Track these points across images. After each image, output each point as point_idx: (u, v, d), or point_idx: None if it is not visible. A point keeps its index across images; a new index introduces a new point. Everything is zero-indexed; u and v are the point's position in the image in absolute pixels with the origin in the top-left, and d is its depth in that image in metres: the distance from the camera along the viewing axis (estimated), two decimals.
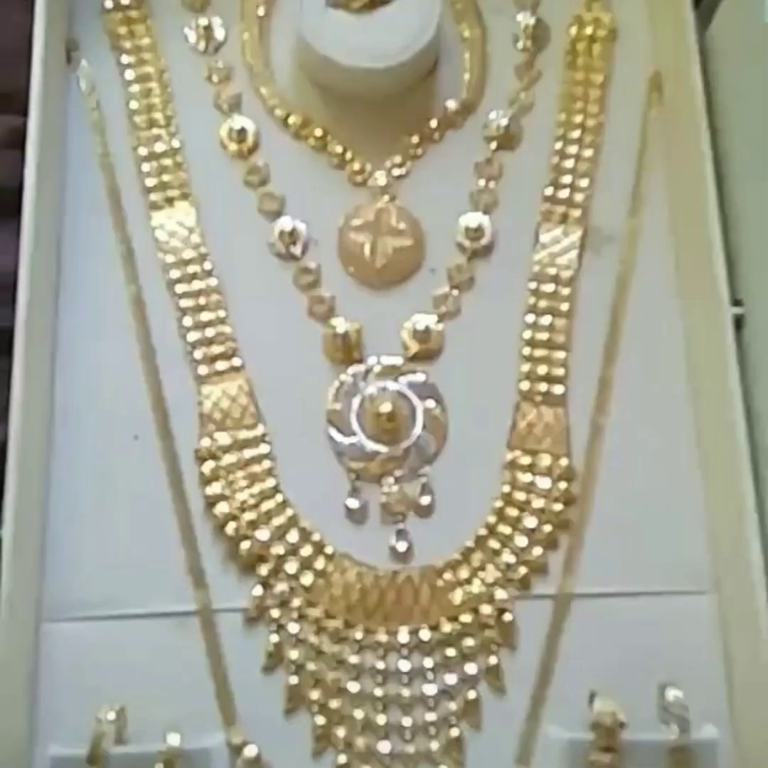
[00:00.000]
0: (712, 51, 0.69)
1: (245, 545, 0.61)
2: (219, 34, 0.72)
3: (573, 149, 0.70)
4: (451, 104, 0.71)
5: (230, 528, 0.62)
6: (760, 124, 0.62)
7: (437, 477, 0.64)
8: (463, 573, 0.62)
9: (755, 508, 0.59)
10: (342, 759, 0.59)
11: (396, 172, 0.70)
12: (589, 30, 0.73)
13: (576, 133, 0.71)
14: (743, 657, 0.59)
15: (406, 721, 0.59)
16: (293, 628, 0.60)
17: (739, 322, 0.63)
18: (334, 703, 0.59)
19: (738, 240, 0.64)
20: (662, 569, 0.62)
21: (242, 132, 0.69)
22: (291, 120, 0.70)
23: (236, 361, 0.65)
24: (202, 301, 0.66)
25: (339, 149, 0.70)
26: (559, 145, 0.70)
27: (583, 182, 0.70)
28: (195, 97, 0.71)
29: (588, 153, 0.70)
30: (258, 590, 0.61)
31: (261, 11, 0.73)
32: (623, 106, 0.72)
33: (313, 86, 0.71)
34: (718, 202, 0.64)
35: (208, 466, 0.63)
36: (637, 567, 0.62)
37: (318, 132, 0.70)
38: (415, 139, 0.70)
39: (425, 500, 0.63)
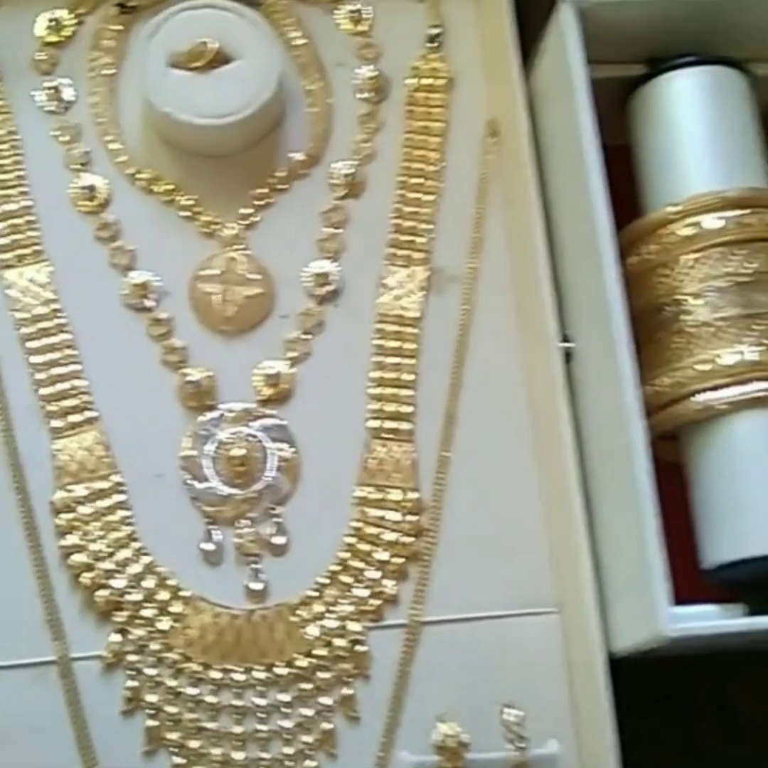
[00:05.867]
0: (538, 98, 0.72)
1: (102, 594, 0.63)
2: (68, 94, 0.74)
3: (415, 195, 0.73)
4: (298, 155, 0.74)
5: (86, 577, 0.63)
6: (573, 166, 0.65)
7: (291, 516, 0.66)
8: (318, 608, 0.64)
9: (586, 532, 0.62)
10: None
11: (245, 222, 0.72)
12: (426, 81, 0.76)
13: (418, 180, 0.74)
14: (582, 675, 0.62)
15: (265, 756, 0.61)
16: (151, 671, 0.62)
17: (569, 356, 0.66)
18: (192, 743, 0.61)
19: (566, 279, 0.68)
20: (507, 593, 0.65)
21: (92, 189, 0.71)
22: (140, 176, 0.72)
23: (91, 413, 0.66)
24: (54, 356, 0.67)
25: (189, 202, 0.72)
26: (401, 192, 0.74)
27: (426, 226, 0.73)
28: (45, 156, 0.72)
29: (429, 198, 0.73)
30: (115, 637, 0.62)
31: (109, 71, 0.75)
32: (462, 152, 0.75)
33: (162, 143, 0.73)
34: (548, 244, 0.68)
35: (63, 518, 0.64)
36: (484, 592, 0.65)
37: (168, 187, 0.72)
38: (263, 189, 0.73)
39: (279, 540, 0.65)
